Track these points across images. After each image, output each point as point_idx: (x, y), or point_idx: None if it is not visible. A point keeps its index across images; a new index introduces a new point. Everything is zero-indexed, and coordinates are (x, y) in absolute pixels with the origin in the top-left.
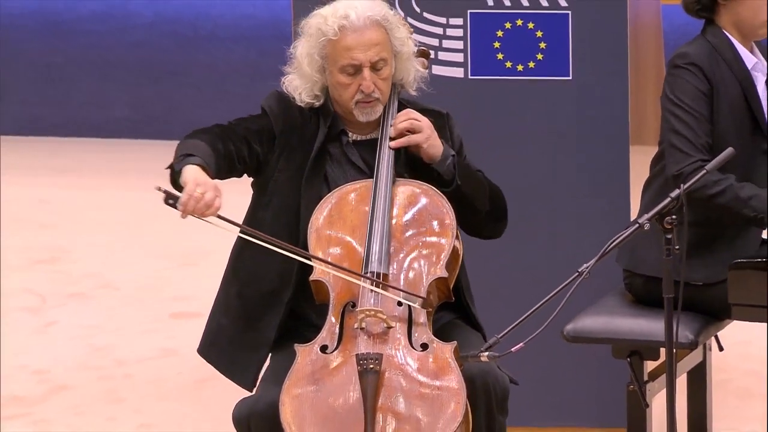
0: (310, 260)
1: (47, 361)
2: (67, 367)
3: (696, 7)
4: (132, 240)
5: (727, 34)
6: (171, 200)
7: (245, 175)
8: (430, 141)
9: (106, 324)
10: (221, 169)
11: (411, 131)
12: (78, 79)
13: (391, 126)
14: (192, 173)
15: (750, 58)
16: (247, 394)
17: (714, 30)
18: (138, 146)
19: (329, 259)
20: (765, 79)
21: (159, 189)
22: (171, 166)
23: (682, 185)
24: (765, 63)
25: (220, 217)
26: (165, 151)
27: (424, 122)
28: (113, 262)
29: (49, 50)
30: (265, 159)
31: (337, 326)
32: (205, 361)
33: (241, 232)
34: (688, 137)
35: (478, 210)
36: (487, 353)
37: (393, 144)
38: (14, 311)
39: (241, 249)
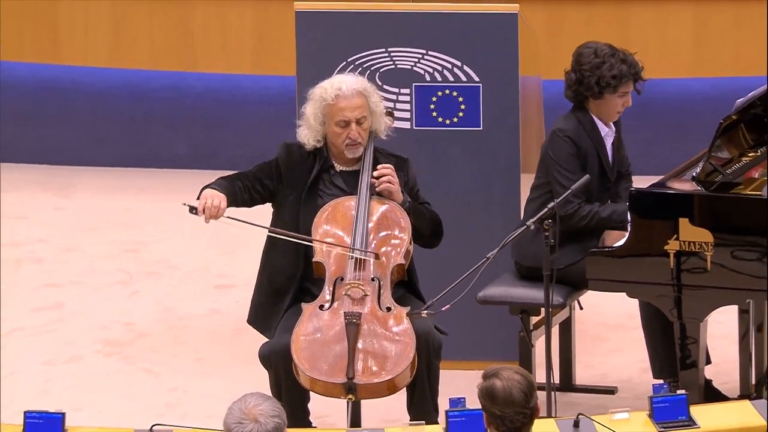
0: (311, 242)
1: (133, 317)
2: (146, 321)
3: (573, 99)
4: (189, 236)
5: (591, 114)
6: (193, 210)
7: (265, 202)
8: (396, 187)
9: (172, 292)
10: (242, 199)
11: (389, 183)
12: (153, 129)
13: (370, 167)
14: (203, 193)
15: (604, 129)
16: (267, 339)
17: (582, 111)
18: (193, 174)
19: (324, 248)
20: (612, 140)
21: (184, 204)
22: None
23: (555, 199)
24: (614, 129)
25: (231, 218)
26: (213, 177)
27: (395, 180)
28: (177, 251)
29: (133, 109)
30: (275, 189)
31: (331, 293)
32: (252, 327)
33: (253, 225)
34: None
35: (423, 233)
36: (425, 312)
37: (379, 187)
38: (110, 284)
39: (268, 250)
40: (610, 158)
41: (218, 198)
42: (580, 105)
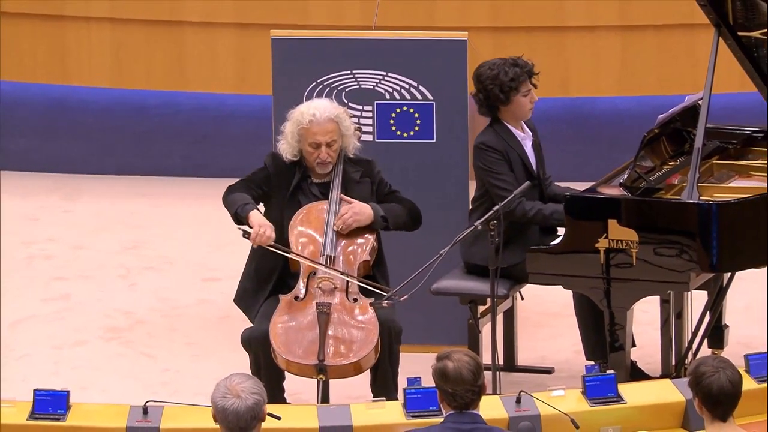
0: (315, 263)
1: (131, 306)
2: (143, 310)
3: (488, 114)
4: (183, 235)
5: (507, 124)
6: (246, 236)
7: (259, 203)
8: (364, 219)
9: (167, 285)
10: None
11: (351, 222)
12: (152, 141)
13: (340, 177)
14: (256, 217)
15: (520, 135)
16: (249, 325)
17: (498, 124)
18: (188, 181)
19: (299, 246)
20: (531, 143)
21: (239, 228)
22: (236, 212)
23: (499, 203)
24: (530, 133)
25: (273, 246)
26: (204, 184)
27: (361, 214)
28: (171, 249)
29: (135, 123)
30: (268, 194)
31: (305, 286)
32: (237, 307)
33: (283, 252)
34: (505, 188)
35: (408, 226)
36: (386, 302)
37: (342, 229)
38: (113, 277)
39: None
40: (531, 159)
41: (270, 229)
42: (495, 117)
